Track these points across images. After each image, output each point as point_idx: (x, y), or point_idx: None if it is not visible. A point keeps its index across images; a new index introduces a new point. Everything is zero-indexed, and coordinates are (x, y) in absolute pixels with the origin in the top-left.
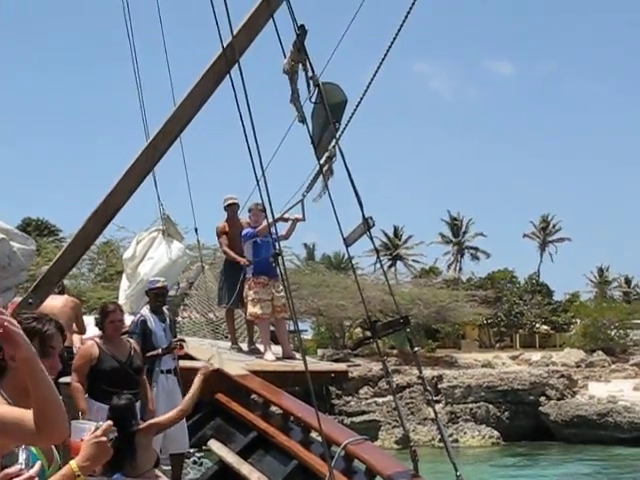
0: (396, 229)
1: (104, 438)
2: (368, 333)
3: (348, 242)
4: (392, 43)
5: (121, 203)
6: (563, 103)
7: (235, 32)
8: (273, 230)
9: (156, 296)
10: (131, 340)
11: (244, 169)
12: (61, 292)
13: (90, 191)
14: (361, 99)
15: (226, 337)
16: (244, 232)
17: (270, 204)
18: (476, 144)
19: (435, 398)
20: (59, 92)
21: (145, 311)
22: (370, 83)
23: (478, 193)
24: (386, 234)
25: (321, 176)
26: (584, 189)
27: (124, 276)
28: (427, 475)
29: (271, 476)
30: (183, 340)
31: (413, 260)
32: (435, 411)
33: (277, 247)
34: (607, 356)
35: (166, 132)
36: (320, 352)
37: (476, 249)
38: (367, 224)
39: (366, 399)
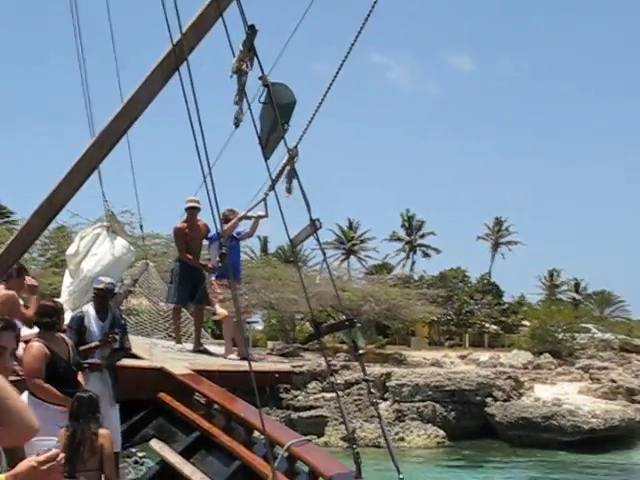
0: (351, 223)
1: (43, 467)
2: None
3: (295, 242)
4: (355, 40)
5: (66, 200)
6: (521, 101)
7: (184, 30)
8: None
9: (96, 297)
10: (64, 336)
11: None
12: (19, 273)
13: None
14: (323, 98)
15: (170, 336)
16: (211, 234)
17: (216, 200)
18: (434, 139)
19: (383, 396)
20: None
21: (87, 307)
22: (331, 84)
23: (434, 190)
24: (341, 227)
25: (281, 176)
26: (539, 190)
27: (67, 272)
28: (371, 476)
29: (214, 476)
30: (116, 333)
31: (366, 255)
32: (379, 415)
33: (223, 247)
34: (554, 359)
35: (113, 129)
36: (270, 344)
37: (427, 246)
38: (314, 226)
39: (314, 394)
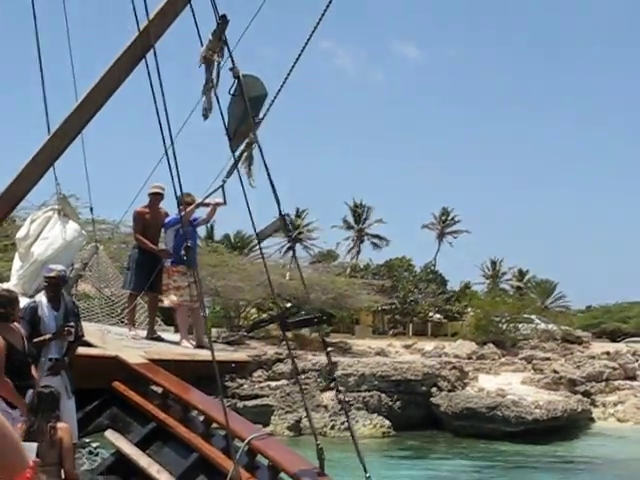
0: (298, 211)
1: None
2: (264, 315)
3: (261, 237)
4: (312, 33)
5: (26, 190)
6: (467, 91)
7: (151, 16)
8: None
9: (48, 285)
10: (18, 326)
11: (150, 150)
12: None
13: None
14: (279, 90)
15: (122, 323)
16: (167, 219)
17: (180, 184)
18: (382, 127)
19: (329, 386)
20: None
21: (39, 297)
22: (288, 74)
23: (381, 179)
24: (288, 215)
25: (239, 163)
26: (485, 183)
27: (17, 256)
28: (332, 472)
29: (171, 469)
30: (71, 326)
31: (312, 244)
32: (348, 416)
33: (187, 240)
34: (498, 349)
35: (78, 116)
36: (215, 331)
37: (377, 237)
38: (284, 222)
39: (259, 382)
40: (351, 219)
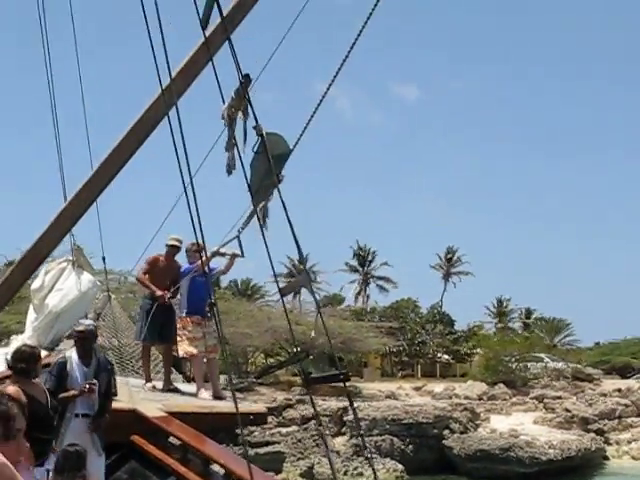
0: (301, 256)
1: None
2: (272, 360)
3: (283, 292)
4: (328, 89)
5: (50, 249)
6: (469, 128)
7: (173, 75)
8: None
9: (77, 340)
10: (39, 381)
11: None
12: None
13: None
14: (295, 145)
15: (138, 374)
16: (183, 268)
17: (201, 228)
18: (384, 169)
19: (340, 430)
20: None
21: (70, 352)
22: (303, 132)
23: (385, 223)
24: (291, 259)
25: (256, 218)
26: (488, 221)
27: (31, 307)
28: None
29: None
30: (94, 383)
31: (317, 288)
32: (327, 445)
33: (212, 297)
34: (508, 389)
35: (99, 177)
36: (222, 379)
37: (383, 278)
38: (308, 278)
39: (270, 429)
40: (355, 262)
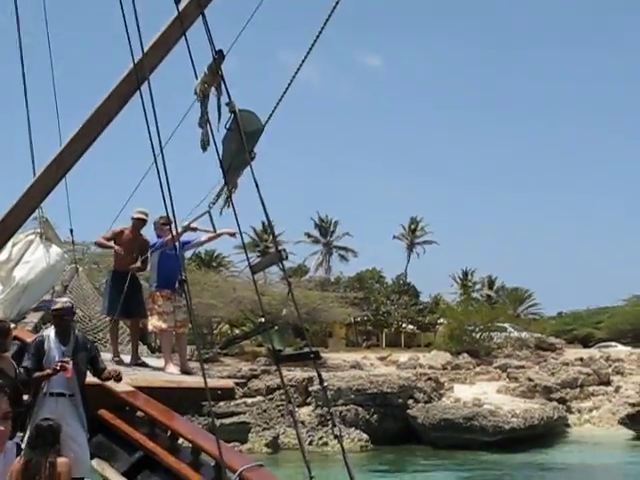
0: (264, 225)
1: None
2: (237, 331)
3: (255, 269)
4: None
5: (19, 224)
6: (432, 100)
7: (146, 49)
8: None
9: (54, 318)
10: (8, 355)
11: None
12: None
13: None
14: (266, 122)
15: (104, 347)
16: (152, 242)
17: (172, 201)
18: (348, 140)
19: (305, 401)
20: None
21: (48, 331)
22: (275, 108)
23: (347, 192)
24: (255, 230)
25: (226, 193)
26: (452, 192)
27: None
28: None
29: None
30: (66, 361)
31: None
32: (295, 421)
33: (182, 274)
34: (472, 358)
35: (71, 150)
36: (188, 349)
37: (344, 249)
38: (280, 256)
39: (235, 400)
40: (317, 233)
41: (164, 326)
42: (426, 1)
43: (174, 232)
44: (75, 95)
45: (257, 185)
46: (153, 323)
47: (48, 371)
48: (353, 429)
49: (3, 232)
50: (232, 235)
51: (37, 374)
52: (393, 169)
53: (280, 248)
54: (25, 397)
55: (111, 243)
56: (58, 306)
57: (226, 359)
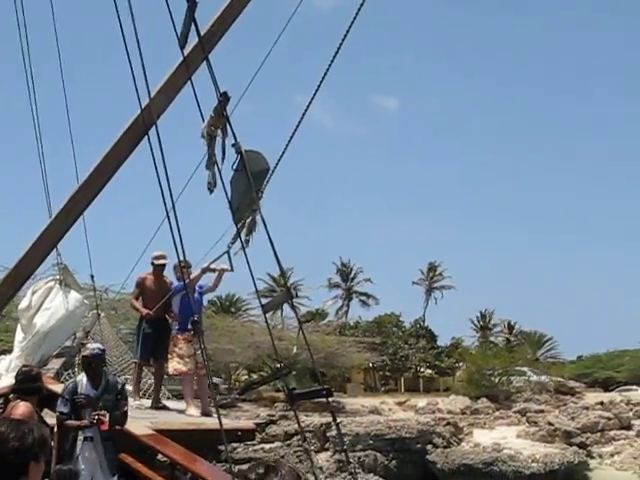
0: (282, 271)
1: None
2: (254, 376)
3: (266, 309)
4: (307, 107)
5: (33, 268)
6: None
7: (153, 94)
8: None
9: (83, 363)
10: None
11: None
12: None
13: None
14: (277, 164)
15: None
16: (174, 285)
17: (184, 253)
18: (367, 181)
19: (323, 446)
20: None
21: (80, 376)
22: (284, 150)
23: (368, 238)
24: (271, 275)
25: (242, 233)
26: (471, 237)
27: (19, 327)
28: None
29: None
30: (103, 414)
31: (299, 303)
32: (312, 462)
33: (194, 315)
34: (491, 403)
35: (80, 197)
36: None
37: (365, 294)
38: (289, 294)
39: (253, 445)
40: (338, 278)
41: (184, 369)
42: (440, 41)
43: (191, 275)
44: (91, 139)
45: (265, 224)
46: (173, 366)
47: (85, 422)
48: (372, 475)
49: (17, 278)
50: (228, 271)
51: (73, 423)
52: (409, 210)
53: (290, 286)
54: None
55: (139, 305)
56: (86, 353)
57: (244, 404)
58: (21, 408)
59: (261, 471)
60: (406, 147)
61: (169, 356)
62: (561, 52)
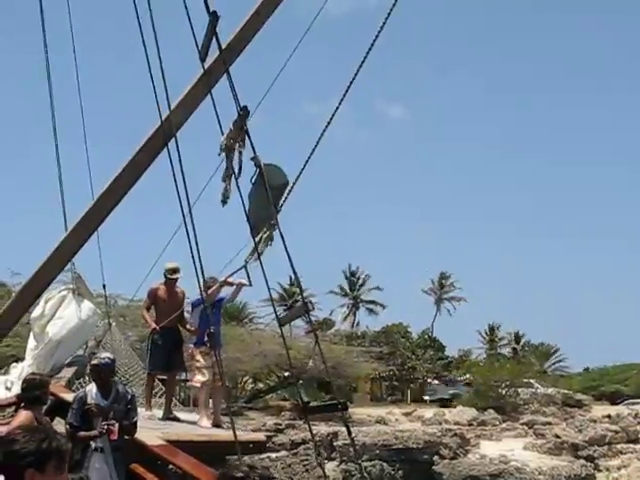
0: (291, 279)
1: None
2: (261, 385)
3: (282, 322)
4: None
5: (51, 278)
6: (458, 151)
7: (173, 107)
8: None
9: (92, 373)
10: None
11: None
12: None
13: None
14: (296, 180)
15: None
16: (194, 299)
17: (202, 268)
18: (373, 193)
19: (330, 456)
20: None
21: (90, 386)
22: (304, 166)
23: (377, 246)
24: (281, 285)
25: (259, 245)
26: (481, 248)
27: (31, 335)
28: None
29: None
30: (112, 424)
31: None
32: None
33: (211, 327)
34: (498, 414)
35: (100, 206)
36: (211, 403)
37: (373, 302)
38: (306, 308)
39: (260, 454)
40: (346, 286)
41: (204, 380)
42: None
43: (208, 290)
44: (107, 152)
45: (283, 237)
46: (197, 378)
47: (95, 432)
48: None
49: (35, 289)
50: (245, 285)
51: (83, 434)
52: (419, 219)
53: (306, 300)
54: None
55: (149, 318)
56: (95, 362)
57: (251, 413)
58: (20, 417)
59: None
60: (418, 155)
61: (189, 370)
62: (575, 57)
